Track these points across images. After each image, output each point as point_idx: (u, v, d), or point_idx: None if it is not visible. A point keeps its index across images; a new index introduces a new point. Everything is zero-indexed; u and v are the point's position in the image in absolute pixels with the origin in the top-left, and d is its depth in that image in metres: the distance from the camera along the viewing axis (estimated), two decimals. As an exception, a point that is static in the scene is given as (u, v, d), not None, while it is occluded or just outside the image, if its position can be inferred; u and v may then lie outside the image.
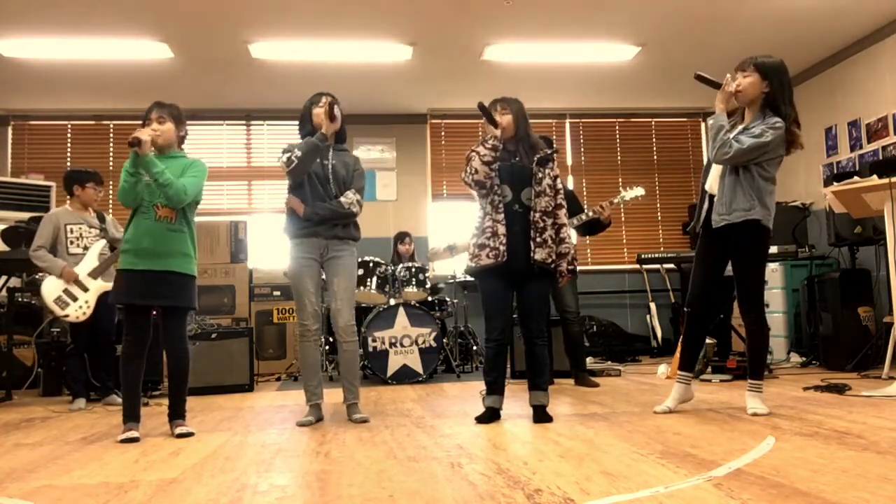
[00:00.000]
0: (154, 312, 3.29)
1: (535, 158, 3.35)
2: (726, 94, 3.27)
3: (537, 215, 3.30)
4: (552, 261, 3.31)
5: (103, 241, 4.58)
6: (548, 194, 3.34)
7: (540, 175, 3.34)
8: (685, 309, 3.50)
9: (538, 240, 3.28)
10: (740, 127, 3.31)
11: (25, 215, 5.77)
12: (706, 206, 3.37)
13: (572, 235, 4.89)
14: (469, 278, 6.64)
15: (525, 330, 3.38)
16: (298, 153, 3.40)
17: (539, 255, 3.27)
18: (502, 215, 3.29)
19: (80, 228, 4.58)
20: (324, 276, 3.57)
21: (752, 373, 3.35)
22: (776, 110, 3.24)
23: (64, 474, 2.44)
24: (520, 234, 3.28)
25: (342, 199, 3.50)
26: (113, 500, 2.06)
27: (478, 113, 3.35)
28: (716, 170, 3.35)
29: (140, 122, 3.26)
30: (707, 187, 3.39)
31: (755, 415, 3.17)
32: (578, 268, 5.03)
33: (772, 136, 3.14)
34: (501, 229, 3.28)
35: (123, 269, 3.18)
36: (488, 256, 3.28)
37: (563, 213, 3.38)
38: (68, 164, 7.37)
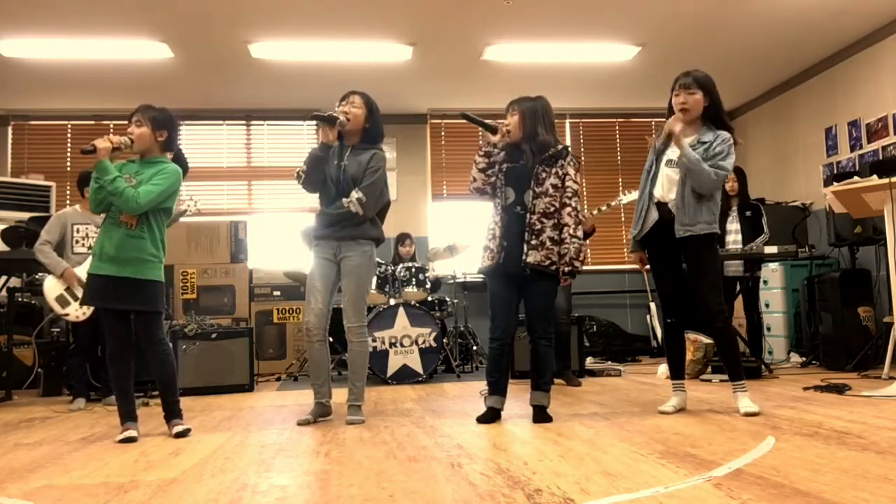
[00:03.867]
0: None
1: (542, 158, 3.30)
2: (678, 120, 3.31)
3: (534, 217, 3.27)
4: (551, 262, 3.26)
5: None
6: (550, 195, 3.27)
7: (543, 175, 3.29)
8: (668, 321, 3.48)
9: (533, 242, 3.25)
10: (688, 140, 3.32)
11: (25, 215, 5.77)
12: (655, 213, 3.33)
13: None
14: (469, 279, 6.66)
15: (529, 331, 3.37)
16: (304, 167, 3.47)
17: (532, 257, 3.23)
18: (500, 217, 3.31)
19: (87, 228, 4.59)
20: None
21: (735, 376, 3.34)
22: (718, 122, 3.36)
23: (64, 474, 2.44)
24: (518, 236, 3.27)
25: (343, 199, 3.45)
26: (113, 500, 2.06)
27: (479, 112, 3.35)
28: (666, 178, 3.32)
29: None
30: (659, 194, 3.34)
31: (748, 414, 3.17)
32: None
33: (733, 152, 3.32)
34: (499, 231, 3.30)
35: (90, 273, 3.21)
36: (488, 259, 3.32)
37: (567, 211, 3.28)
38: (68, 164, 7.38)
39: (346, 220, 3.46)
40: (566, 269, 3.26)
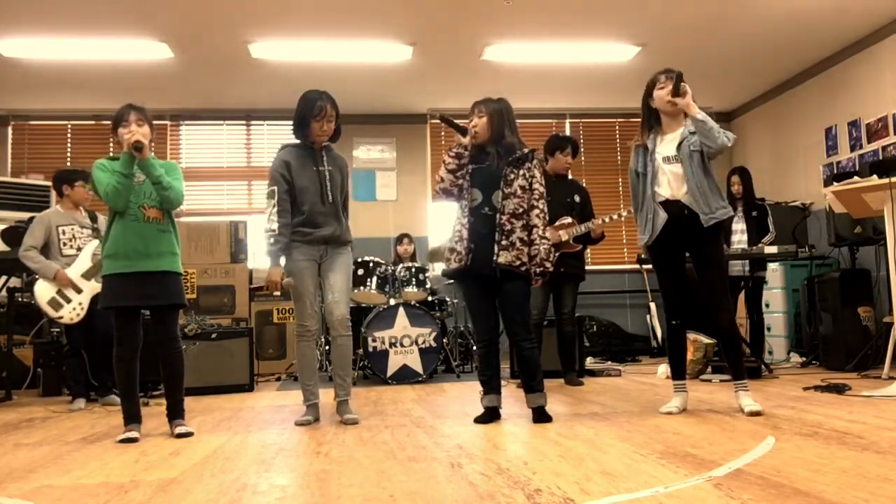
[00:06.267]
0: (148, 313, 3.29)
1: (509, 160, 3.31)
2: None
3: (504, 218, 3.26)
4: (521, 263, 3.25)
5: (96, 242, 4.54)
6: (518, 196, 3.27)
7: (511, 177, 3.29)
8: (673, 322, 3.46)
9: (503, 243, 3.24)
10: (676, 133, 3.34)
11: (25, 215, 5.77)
12: (663, 213, 3.32)
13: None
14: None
15: (508, 333, 3.37)
16: (271, 244, 3.38)
17: (503, 258, 3.22)
18: (467, 219, 3.30)
19: (73, 229, 4.56)
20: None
21: (738, 374, 3.34)
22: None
23: (64, 474, 2.44)
24: (487, 238, 3.26)
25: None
26: (113, 500, 2.06)
27: (447, 119, 3.35)
28: (672, 175, 3.32)
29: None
30: (668, 194, 3.32)
31: (752, 413, 3.16)
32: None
33: None
34: (465, 233, 3.29)
35: (114, 274, 3.15)
36: (455, 261, 3.31)
37: (536, 213, 3.30)
38: (68, 164, 7.37)
39: (342, 223, 3.55)
40: (538, 269, 3.27)
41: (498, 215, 3.26)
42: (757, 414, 3.16)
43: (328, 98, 3.49)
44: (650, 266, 3.55)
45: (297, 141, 3.57)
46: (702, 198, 3.26)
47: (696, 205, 3.26)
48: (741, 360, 3.38)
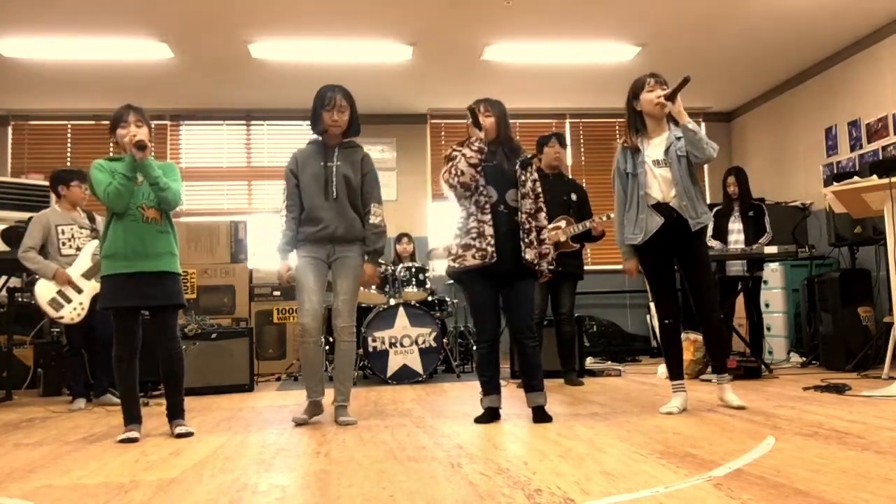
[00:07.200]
0: (147, 313, 3.29)
1: (518, 161, 3.37)
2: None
3: (524, 216, 3.33)
4: (537, 262, 3.35)
5: (96, 242, 4.54)
6: (530, 197, 3.38)
7: (523, 178, 3.36)
8: (665, 322, 3.48)
9: (527, 240, 3.31)
10: (662, 137, 3.38)
11: (25, 215, 5.76)
12: (658, 217, 3.34)
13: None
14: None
15: (514, 330, 3.38)
16: (280, 239, 3.50)
17: (529, 254, 3.30)
18: (489, 216, 3.29)
19: (72, 229, 4.56)
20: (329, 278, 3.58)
21: (723, 368, 3.48)
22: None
23: (64, 474, 2.44)
24: (507, 235, 3.29)
25: (372, 218, 3.52)
26: (113, 500, 2.06)
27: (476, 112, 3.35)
28: (661, 178, 3.34)
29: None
30: (659, 196, 3.35)
31: (739, 407, 3.34)
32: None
33: None
34: (489, 230, 3.28)
35: (113, 274, 3.14)
36: (474, 257, 3.28)
37: (542, 215, 3.42)
38: (68, 164, 7.37)
39: (383, 237, 3.56)
40: (549, 267, 3.39)
41: (519, 214, 3.32)
42: (741, 408, 3.33)
43: (340, 90, 3.48)
44: (647, 269, 3.55)
45: (320, 139, 3.58)
46: (689, 202, 3.32)
47: (685, 210, 3.32)
48: (727, 356, 3.48)
